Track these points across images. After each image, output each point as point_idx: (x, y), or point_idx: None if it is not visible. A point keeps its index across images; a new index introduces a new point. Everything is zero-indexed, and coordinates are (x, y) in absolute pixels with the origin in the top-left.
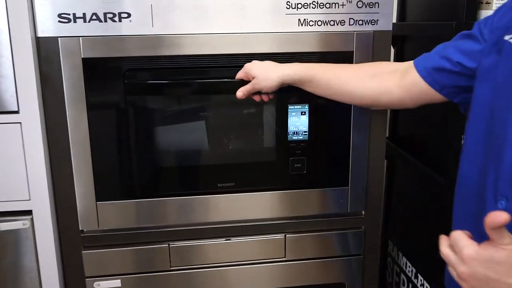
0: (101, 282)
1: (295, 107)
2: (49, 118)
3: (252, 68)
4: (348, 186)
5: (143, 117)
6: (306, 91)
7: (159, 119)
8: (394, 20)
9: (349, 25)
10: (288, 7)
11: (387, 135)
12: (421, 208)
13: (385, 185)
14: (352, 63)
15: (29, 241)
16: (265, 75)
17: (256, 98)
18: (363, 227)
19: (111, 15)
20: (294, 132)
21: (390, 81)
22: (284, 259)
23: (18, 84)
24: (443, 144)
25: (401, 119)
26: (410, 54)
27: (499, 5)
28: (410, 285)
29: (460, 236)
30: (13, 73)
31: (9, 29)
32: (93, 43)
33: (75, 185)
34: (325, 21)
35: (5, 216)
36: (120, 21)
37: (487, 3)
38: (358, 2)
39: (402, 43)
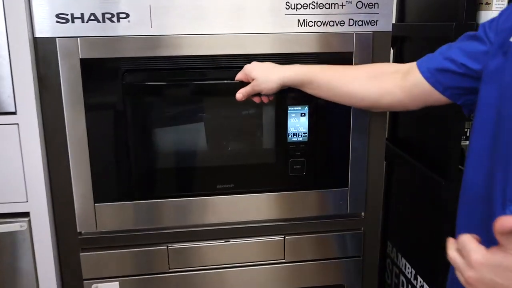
0: (99, 285)
1: (295, 108)
2: (46, 119)
3: (252, 69)
4: (347, 187)
5: (141, 118)
6: (306, 93)
7: (158, 120)
8: (393, 21)
9: (349, 25)
10: (287, 7)
11: (386, 137)
12: (420, 209)
13: (384, 186)
14: (352, 63)
15: (27, 243)
16: (265, 77)
17: (256, 100)
18: (362, 228)
19: (109, 16)
20: (293, 134)
21: (392, 82)
22: (283, 260)
23: (15, 85)
24: (443, 145)
25: (401, 120)
26: (409, 55)
27: (498, 6)
28: (410, 286)
29: (468, 240)
30: (11, 74)
31: (6, 29)
32: (91, 44)
33: (73, 187)
34: (325, 21)
35: (2, 218)
36: (118, 21)
37: (487, 3)
38: (358, 3)
39: (401, 44)
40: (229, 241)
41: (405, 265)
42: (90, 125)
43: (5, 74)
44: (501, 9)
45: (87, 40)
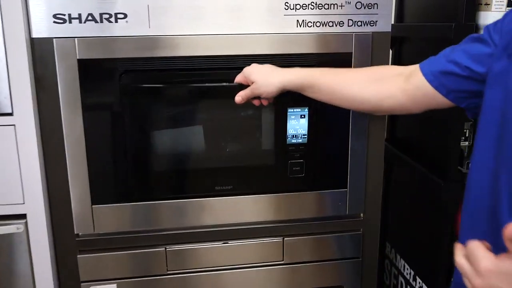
0: (96, 287)
1: (295, 110)
2: (43, 120)
3: (252, 72)
4: (346, 188)
5: (139, 119)
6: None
7: (156, 121)
8: (392, 22)
9: (348, 26)
10: (286, 8)
11: (385, 137)
12: (419, 210)
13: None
14: (351, 64)
15: (23, 245)
16: (265, 81)
17: (256, 102)
18: (361, 229)
19: (107, 16)
20: (293, 136)
21: (394, 86)
22: (282, 262)
23: (12, 85)
24: (442, 146)
25: (400, 121)
26: (408, 56)
27: (498, 6)
28: (408, 287)
29: (477, 247)
30: (7, 75)
31: (3, 29)
32: (89, 44)
33: (70, 188)
34: (324, 22)
35: None
36: (116, 21)
37: (486, 4)
38: (357, 3)
39: (400, 45)
40: (227, 243)
41: (404, 266)
42: (87, 126)
43: (1, 75)
44: (500, 10)
45: (85, 40)
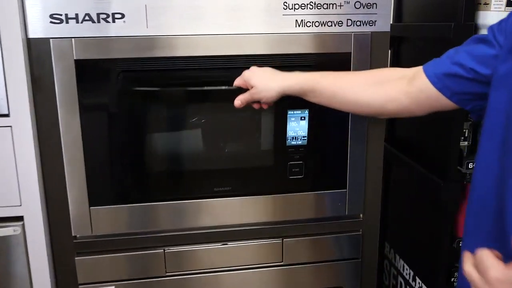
0: None
1: (295, 112)
2: (40, 121)
3: (251, 76)
4: (346, 189)
5: (137, 120)
6: None
7: (154, 122)
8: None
9: (347, 26)
10: (285, 7)
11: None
12: (418, 210)
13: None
14: (350, 64)
15: (20, 247)
16: (265, 86)
17: (255, 106)
18: (361, 230)
19: (104, 16)
20: (293, 137)
21: (397, 88)
22: (281, 263)
23: (8, 86)
24: (441, 146)
25: (399, 121)
26: (407, 56)
27: (497, 6)
28: (408, 287)
29: (486, 256)
30: (3, 75)
31: None
32: (86, 44)
33: (67, 190)
34: (323, 22)
35: None
36: (113, 21)
37: (485, 3)
38: (356, 3)
39: (399, 45)
40: (226, 244)
41: (403, 266)
42: (85, 127)
43: None
44: (499, 9)
45: (82, 40)
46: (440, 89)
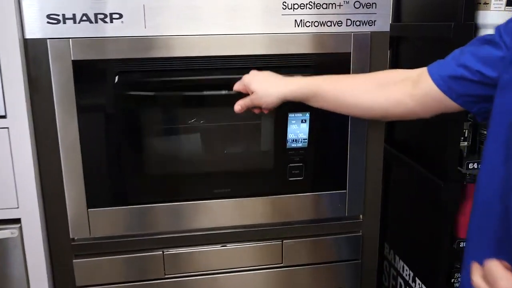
0: None
1: (296, 115)
2: (37, 123)
3: (251, 82)
4: (346, 190)
5: (135, 122)
6: None
7: (153, 123)
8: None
9: (346, 26)
10: (284, 7)
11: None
12: (418, 210)
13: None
14: (350, 64)
15: (18, 250)
16: (265, 91)
17: (256, 111)
18: (361, 231)
19: (102, 16)
20: (293, 140)
21: (402, 91)
22: (281, 265)
23: (5, 87)
24: (441, 146)
25: (398, 122)
26: (406, 56)
27: (497, 6)
28: None
29: (495, 267)
30: (0, 76)
31: None
32: (84, 45)
33: (65, 192)
34: (322, 22)
35: None
36: (111, 22)
37: (485, 3)
38: (356, 3)
39: (398, 45)
40: (226, 246)
41: (403, 267)
42: (82, 129)
43: None
44: (499, 9)
45: (79, 41)
46: (445, 91)
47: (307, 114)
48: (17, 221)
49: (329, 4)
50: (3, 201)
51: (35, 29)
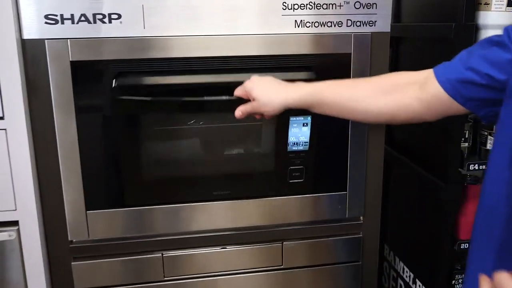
0: None
1: (297, 118)
2: (35, 124)
3: (253, 89)
4: (346, 191)
5: (134, 123)
6: None
7: (152, 125)
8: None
9: (347, 26)
10: (284, 8)
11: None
12: (418, 211)
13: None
14: (350, 65)
15: (16, 253)
16: (267, 99)
17: (257, 116)
18: (361, 233)
19: (100, 16)
20: (294, 143)
21: (409, 95)
22: (281, 267)
23: (2, 88)
24: (442, 147)
25: None
26: (406, 56)
27: (498, 6)
28: None
29: (506, 280)
30: None
31: None
32: (82, 46)
33: (63, 194)
34: (322, 22)
35: None
36: (110, 22)
37: (486, 4)
38: (356, 3)
39: (397, 45)
40: (225, 248)
41: (403, 268)
42: (81, 130)
43: None
44: (500, 9)
45: (78, 41)
46: (453, 95)
47: (309, 118)
48: (14, 223)
49: (329, 4)
50: (1, 203)
51: (33, 29)
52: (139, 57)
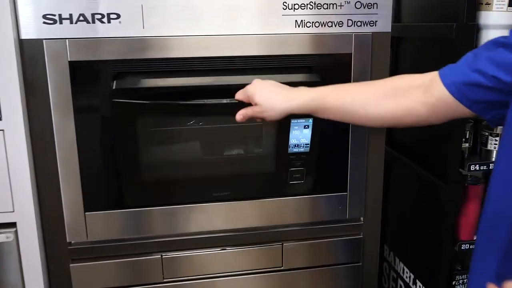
0: None
1: (299, 121)
2: (33, 125)
3: (255, 93)
4: (346, 192)
5: (133, 124)
6: None
7: (151, 125)
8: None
9: (347, 26)
10: (284, 7)
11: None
12: (418, 212)
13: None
14: (351, 65)
15: (13, 255)
16: (269, 104)
17: (258, 120)
18: (361, 234)
19: (99, 16)
20: (295, 145)
21: (413, 99)
22: (281, 268)
23: (0, 89)
24: (443, 148)
25: None
26: (407, 56)
27: (499, 6)
28: None
29: None
30: None
31: None
32: (80, 46)
33: (61, 195)
34: (323, 22)
35: None
36: (108, 22)
37: (487, 4)
38: (357, 3)
39: (398, 45)
40: (225, 249)
41: (403, 269)
42: (79, 131)
43: None
44: (501, 9)
45: (76, 41)
46: (459, 98)
47: (310, 120)
48: (12, 225)
49: (330, 4)
50: None
51: (31, 29)
52: (138, 57)
